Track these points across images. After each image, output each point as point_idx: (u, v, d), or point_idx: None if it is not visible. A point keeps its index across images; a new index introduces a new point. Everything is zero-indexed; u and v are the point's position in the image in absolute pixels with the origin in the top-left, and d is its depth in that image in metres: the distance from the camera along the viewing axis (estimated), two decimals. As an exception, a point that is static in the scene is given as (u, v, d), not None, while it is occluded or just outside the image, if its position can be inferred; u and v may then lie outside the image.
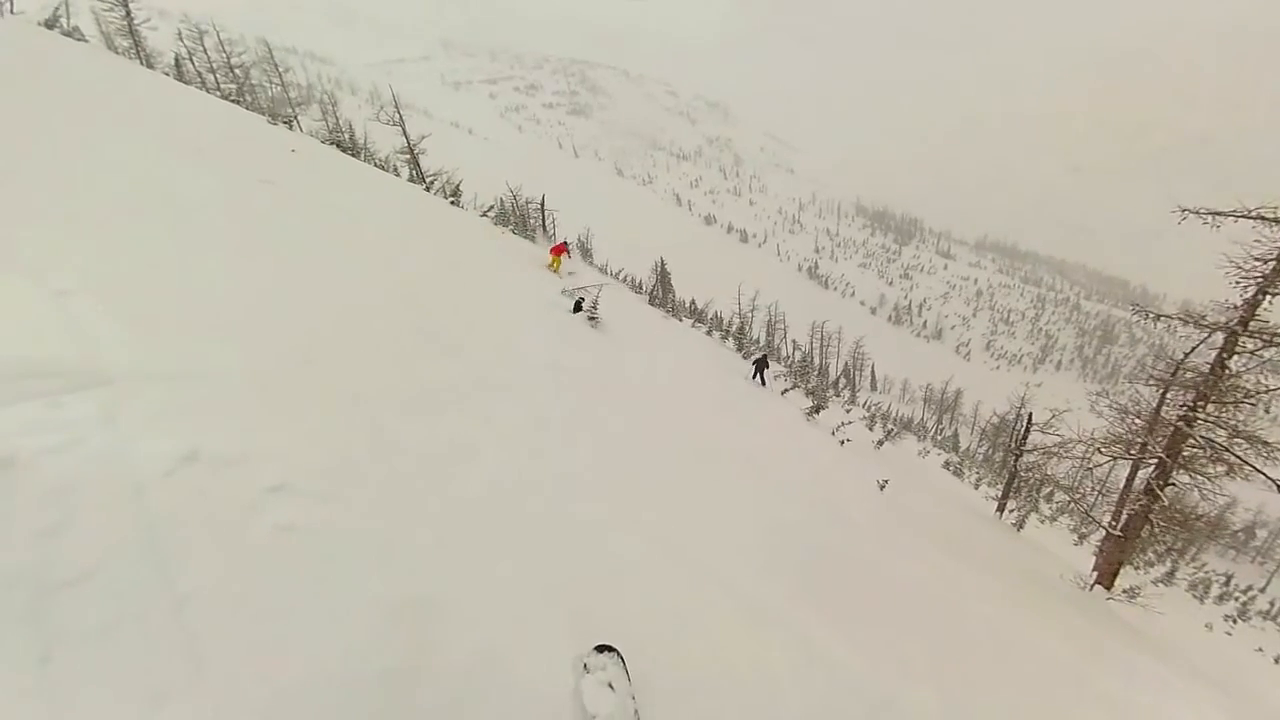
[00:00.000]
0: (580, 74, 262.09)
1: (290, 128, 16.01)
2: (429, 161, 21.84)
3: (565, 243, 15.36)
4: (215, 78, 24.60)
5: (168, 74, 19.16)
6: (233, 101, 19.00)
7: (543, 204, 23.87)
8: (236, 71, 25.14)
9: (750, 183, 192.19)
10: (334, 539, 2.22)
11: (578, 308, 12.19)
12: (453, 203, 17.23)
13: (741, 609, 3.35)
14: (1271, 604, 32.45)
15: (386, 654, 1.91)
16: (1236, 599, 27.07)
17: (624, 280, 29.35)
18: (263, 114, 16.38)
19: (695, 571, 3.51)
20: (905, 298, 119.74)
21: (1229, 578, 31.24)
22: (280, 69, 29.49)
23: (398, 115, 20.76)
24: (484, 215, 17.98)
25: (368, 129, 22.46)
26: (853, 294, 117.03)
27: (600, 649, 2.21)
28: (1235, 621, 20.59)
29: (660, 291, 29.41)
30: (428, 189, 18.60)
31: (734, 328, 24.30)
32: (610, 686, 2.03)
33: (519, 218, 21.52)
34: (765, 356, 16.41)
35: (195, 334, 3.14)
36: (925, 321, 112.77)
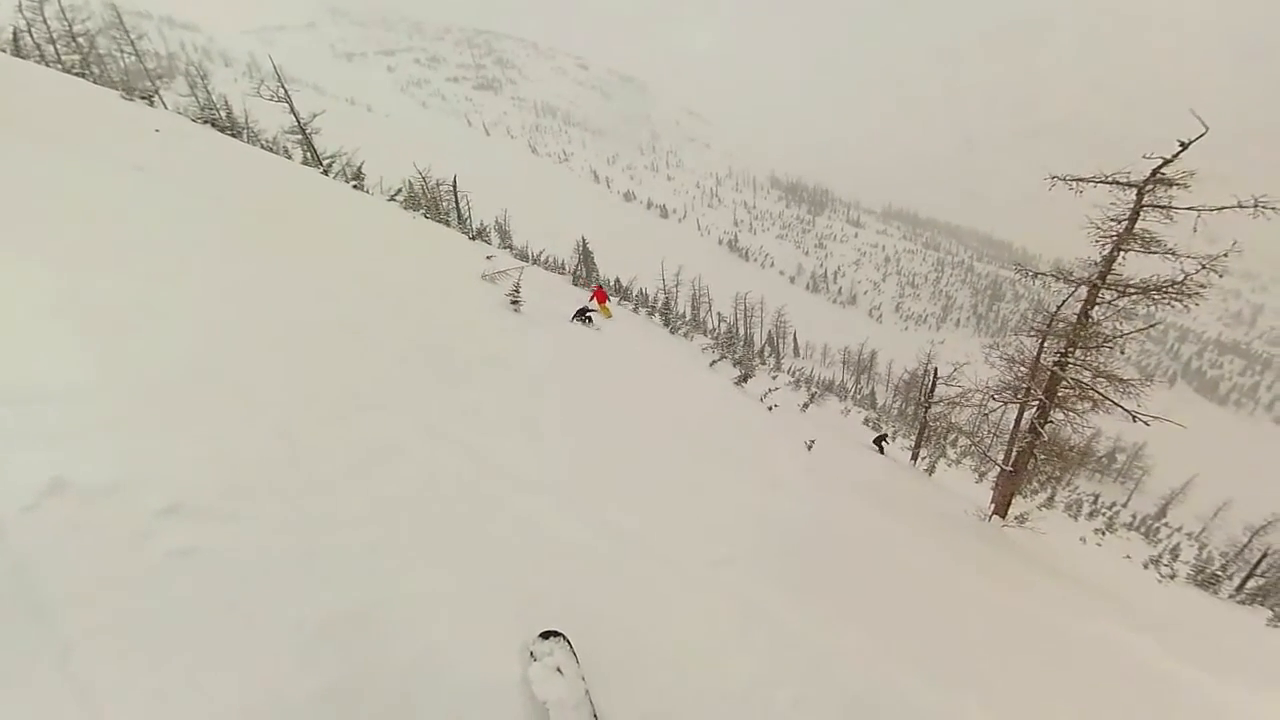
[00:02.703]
0: (486, 45, 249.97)
1: (151, 104, 14.13)
2: (324, 141, 20.09)
3: (598, 286, 15.96)
4: (56, 49, 21.25)
5: (4, 50, 16.34)
6: (76, 74, 16.54)
7: (455, 186, 22.79)
8: (80, 40, 21.80)
9: (667, 158, 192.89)
10: (244, 559, 2.04)
11: (582, 317, 12.33)
12: (356, 186, 16.02)
13: (687, 580, 3.44)
14: (1133, 516, 37.86)
15: (318, 674, 1.80)
16: (1103, 515, 31.26)
17: (546, 261, 28.77)
18: (115, 88, 14.35)
19: (640, 548, 3.56)
20: (821, 266, 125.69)
21: (1096, 497, 36.04)
22: (133, 35, 25.92)
23: (283, 90, 18.87)
24: (392, 199, 16.87)
25: (248, 105, 20.25)
26: (772, 264, 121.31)
27: (546, 635, 2.19)
28: (1104, 534, 23.82)
29: (584, 271, 29.12)
30: (325, 172, 17.16)
31: (659, 303, 24.54)
32: (559, 671, 2.03)
33: (430, 201, 20.43)
34: (884, 435, 17.33)
35: (65, 344, 2.74)
36: (840, 288, 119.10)
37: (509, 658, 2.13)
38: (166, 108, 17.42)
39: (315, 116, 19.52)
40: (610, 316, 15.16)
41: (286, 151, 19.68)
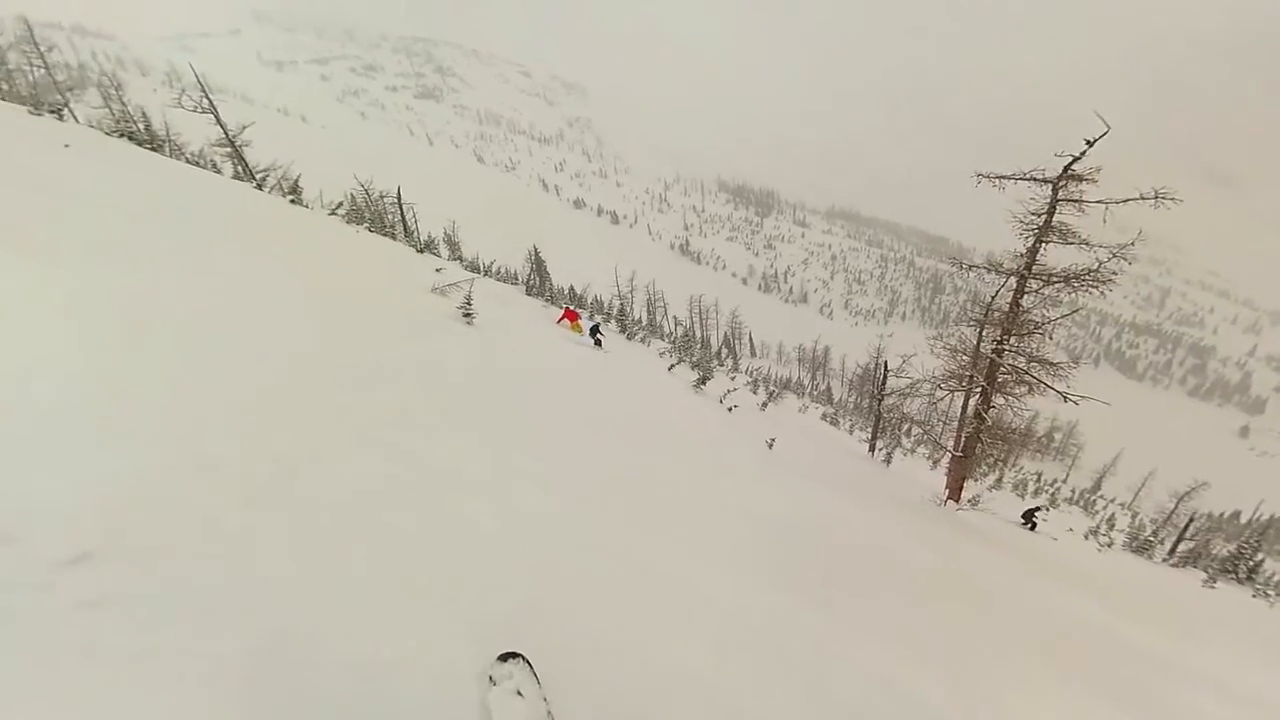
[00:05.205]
0: (425, 54, 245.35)
1: (60, 118, 13.12)
2: (257, 154, 19.16)
3: (569, 308, 16.21)
4: (-38, 67, 19.51)
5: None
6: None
7: (399, 197, 22.16)
8: (-16, 56, 20.07)
9: (615, 164, 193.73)
10: (160, 600, 1.87)
11: (597, 343, 13.68)
12: (293, 201, 15.32)
13: (648, 581, 3.40)
14: (1072, 491, 40.30)
15: (251, 712, 1.66)
16: (1046, 491, 33.10)
17: (497, 272, 28.31)
18: (23, 104, 13.28)
19: (605, 554, 3.50)
20: (771, 266, 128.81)
21: (1039, 475, 38.16)
22: (43, 47, 24.04)
23: (207, 100, 17.89)
24: (333, 213, 16.23)
25: (168, 117, 19.10)
26: (724, 266, 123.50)
27: (504, 657, 2.10)
28: (1048, 510, 25.19)
29: (537, 280, 28.82)
30: (259, 186, 16.36)
31: (615, 309, 24.50)
32: (519, 694, 1.95)
33: (374, 214, 19.78)
34: (1034, 511, 15.10)
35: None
36: (791, 287, 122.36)
37: (464, 681, 2.04)
38: (78, 121, 16.21)
39: (245, 128, 18.59)
40: (583, 333, 15.21)
41: (215, 165, 18.66)
